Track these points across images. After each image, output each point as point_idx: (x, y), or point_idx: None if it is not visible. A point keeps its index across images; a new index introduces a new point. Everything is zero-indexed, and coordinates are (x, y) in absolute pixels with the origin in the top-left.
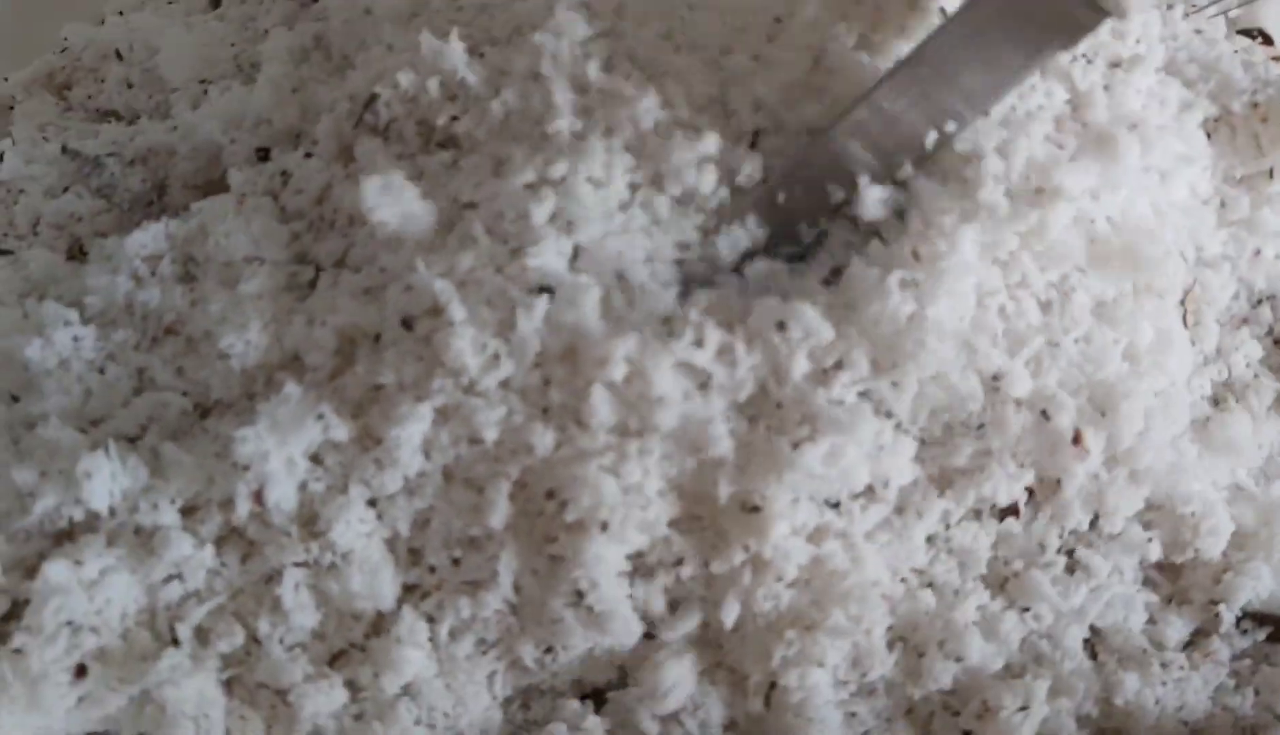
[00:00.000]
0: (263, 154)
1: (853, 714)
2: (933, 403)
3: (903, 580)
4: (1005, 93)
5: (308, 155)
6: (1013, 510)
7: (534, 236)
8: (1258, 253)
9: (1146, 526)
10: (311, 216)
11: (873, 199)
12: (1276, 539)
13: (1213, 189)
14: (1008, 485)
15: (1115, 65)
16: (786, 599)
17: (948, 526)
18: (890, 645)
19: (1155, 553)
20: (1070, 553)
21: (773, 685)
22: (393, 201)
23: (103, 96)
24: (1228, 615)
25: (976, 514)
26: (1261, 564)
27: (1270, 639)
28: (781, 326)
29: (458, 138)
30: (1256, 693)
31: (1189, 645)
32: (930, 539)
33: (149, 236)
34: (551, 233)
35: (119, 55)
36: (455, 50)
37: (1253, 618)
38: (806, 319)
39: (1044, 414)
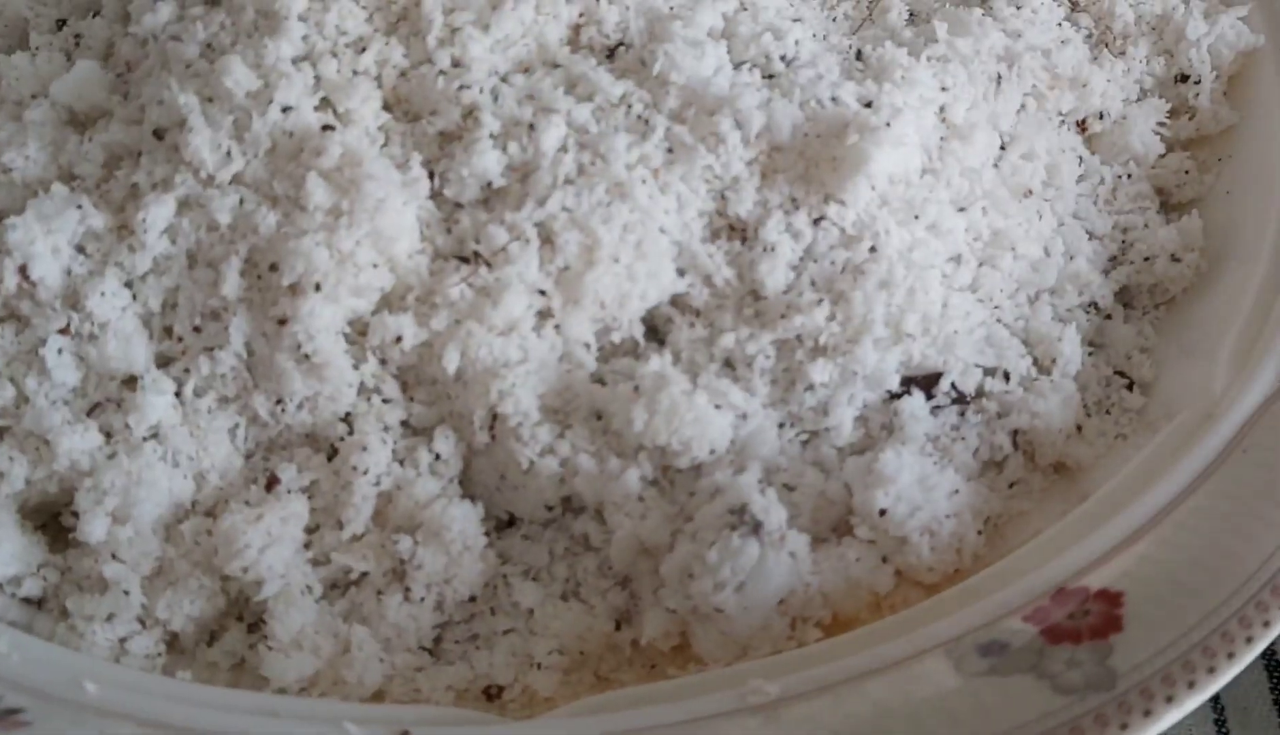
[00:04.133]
0: (61, 24)
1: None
2: None
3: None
4: None
5: (96, 14)
6: None
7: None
8: None
9: None
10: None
11: None
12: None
13: None
14: None
15: None
16: (498, 346)
17: None
18: None
19: None
20: None
21: (495, 417)
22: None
23: None
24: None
25: None
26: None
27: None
28: None
29: None
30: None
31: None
32: None
33: None
34: (296, 71)
35: None
36: None
37: (909, 381)
38: None
39: None
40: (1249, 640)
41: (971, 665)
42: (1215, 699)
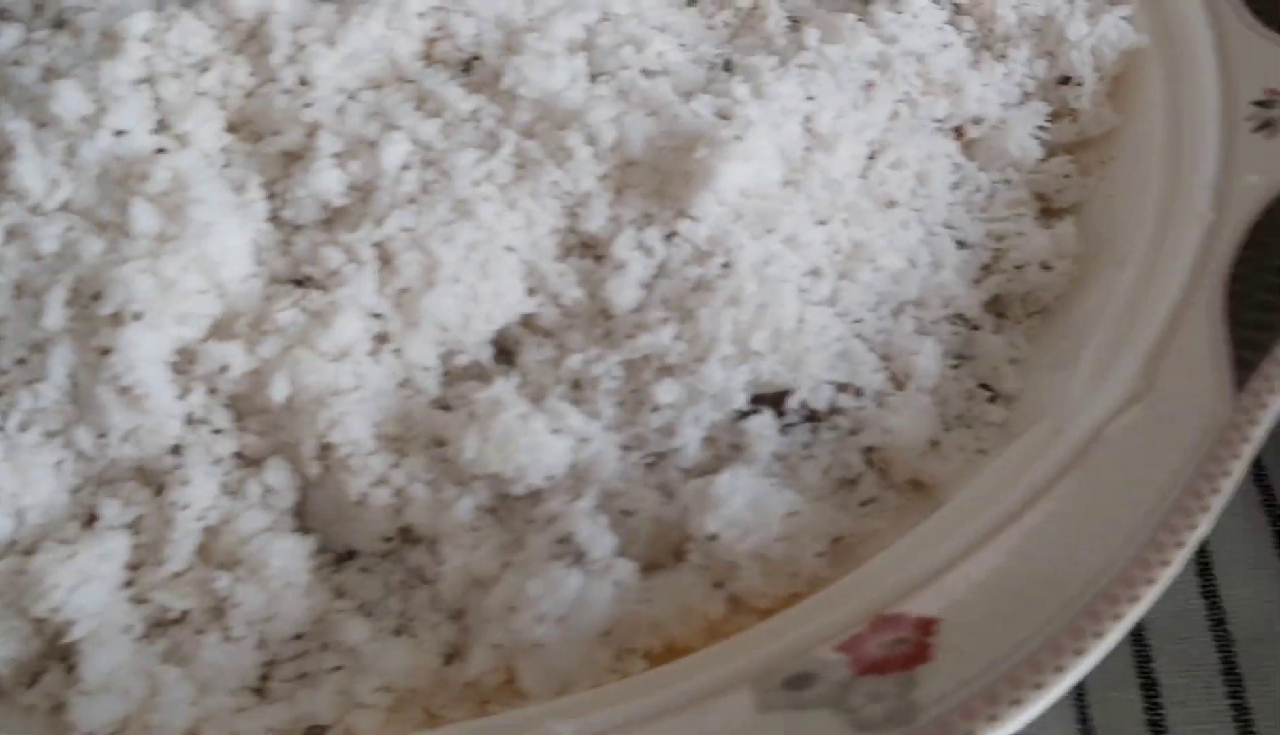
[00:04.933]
0: None
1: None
2: None
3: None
4: None
5: None
6: None
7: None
8: None
9: None
10: None
11: None
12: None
13: None
14: None
15: None
16: (329, 373)
17: None
18: None
19: None
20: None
21: (325, 448)
22: None
23: None
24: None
25: None
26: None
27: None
28: None
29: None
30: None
31: None
32: None
33: None
34: (135, 92)
35: None
36: None
37: (759, 399)
38: None
39: None
40: (1059, 669)
41: (774, 700)
42: (1084, 720)
